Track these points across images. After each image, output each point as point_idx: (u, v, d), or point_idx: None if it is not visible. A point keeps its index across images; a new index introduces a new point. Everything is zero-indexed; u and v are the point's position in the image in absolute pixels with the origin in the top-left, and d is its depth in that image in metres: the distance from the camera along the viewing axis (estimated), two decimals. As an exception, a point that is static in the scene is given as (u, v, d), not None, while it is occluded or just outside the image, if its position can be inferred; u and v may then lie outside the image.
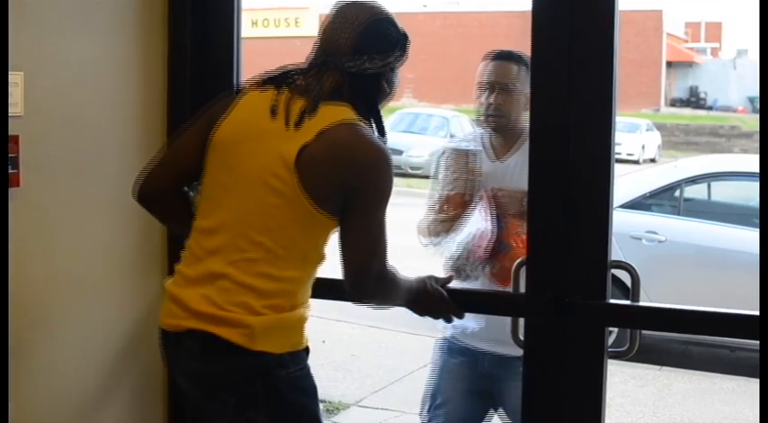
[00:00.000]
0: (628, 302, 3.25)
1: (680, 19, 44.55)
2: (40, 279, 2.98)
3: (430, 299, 2.91)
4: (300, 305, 2.67)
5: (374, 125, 2.71)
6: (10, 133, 2.81)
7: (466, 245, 3.43)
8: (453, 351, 3.70)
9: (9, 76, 2.79)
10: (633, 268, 3.26)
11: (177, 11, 3.25)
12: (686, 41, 45.17)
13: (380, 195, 2.61)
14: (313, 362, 2.89)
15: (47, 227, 2.99)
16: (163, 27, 3.26)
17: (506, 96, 3.57)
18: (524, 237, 3.32)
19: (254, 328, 2.55)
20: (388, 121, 23.39)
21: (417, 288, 2.87)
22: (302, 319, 2.67)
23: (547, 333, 3.06)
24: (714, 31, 47.03)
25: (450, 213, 3.59)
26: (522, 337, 3.14)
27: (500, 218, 3.51)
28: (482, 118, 3.63)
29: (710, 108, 37.06)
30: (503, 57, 3.63)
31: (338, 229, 2.62)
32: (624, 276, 3.34)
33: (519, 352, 3.27)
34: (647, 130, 26.49)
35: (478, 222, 3.45)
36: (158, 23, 3.26)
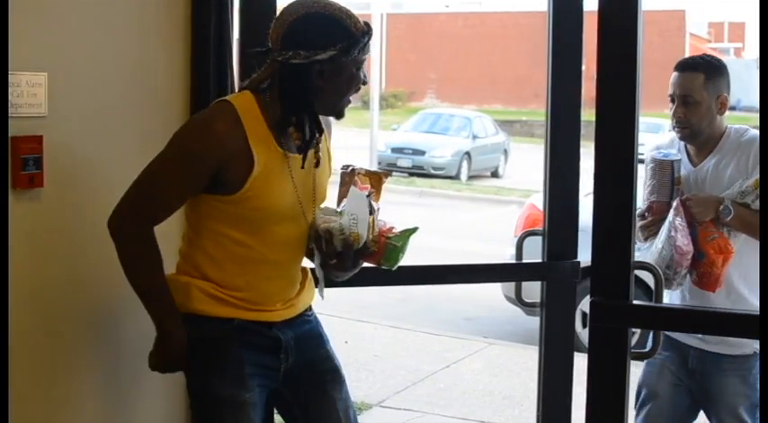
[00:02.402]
0: (651, 303, 3.25)
1: (703, 19, 44.43)
2: (64, 279, 2.99)
3: (168, 340, 2.80)
4: (198, 276, 2.79)
5: (301, 119, 2.76)
6: (34, 134, 2.83)
7: (668, 257, 3.46)
8: (661, 344, 3.62)
9: (33, 77, 2.81)
10: (656, 269, 3.26)
11: (201, 9, 3.25)
12: (709, 41, 44.98)
13: (168, 146, 2.73)
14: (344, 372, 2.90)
15: (70, 227, 3.00)
16: (186, 24, 3.26)
17: (686, 109, 3.59)
18: (719, 242, 3.47)
19: None
20: (411, 121, 23.52)
21: (170, 316, 2.78)
22: (187, 285, 2.78)
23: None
24: (737, 31, 46.84)
25: (652, 220, 3.61)
26: (525, 299, 3.78)
27: (694, 226, 3.53)
28: (673, 126, 3.69)
29: (733, 108, 36.73)
30: (685, 67, 3.64)
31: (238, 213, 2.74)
32: (647, 277, 3.34)
33: (729, 350, 3.55)
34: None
35: (672, 234, 3.47)
36: (182, 21, 3.26)
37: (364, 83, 2.80)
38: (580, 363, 3.41)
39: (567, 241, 3.50)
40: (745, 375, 3.61)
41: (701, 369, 3.67)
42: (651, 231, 3.58)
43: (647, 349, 3.41)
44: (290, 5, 2.74)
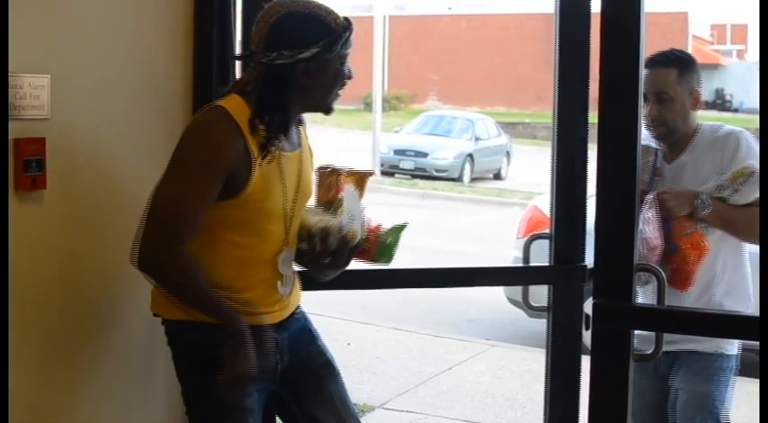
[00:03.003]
0: (653, 305, 3.24)
1: (705, 21, 44.38)
2: (66, 282, 2.99)
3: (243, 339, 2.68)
4: None
5: (273, 119, 2.75)
6: (36, 136, 2.83)
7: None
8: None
9: (35, 79, 2.81)
10: (659, 271, 3.25)
11: (203, 9, 3.25)
12: (712, 43, 44.95)
13: (176, 161, 2.69)
14: (338, 364, 2.89)
15: (73, 229, 3.00)
16: (189, 25, 3.26)
17: (662, 106, 3.55)
18: (694, 237, 3.42)
19: (152, 290, 2.84)
20: (413, 123, 23.53)
21: (236, 317, 2.70)
22: None
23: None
24: (740, 32, 46.79)
25: None
26: (532, 303, 3.67)
27: (668, 220, 3.48)
28: (647, 126, 3.63)
29: (736, 110, 36.84)
30: (656, 62, 3.59)
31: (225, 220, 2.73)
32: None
33: (690, 346, 3.52)
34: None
35: (642, 226, 3.40)
36: (184, 21, 3.26)
37: (349, 77, 2.83)
38: (582, 364, 3.41)
39: (575, 245, 3.47)
40: (709, 375, 3.58)
41: (668, 373, 3.65)
42: None
43: (649, 352, 3.41)
44: (270, 7, 2.76)
